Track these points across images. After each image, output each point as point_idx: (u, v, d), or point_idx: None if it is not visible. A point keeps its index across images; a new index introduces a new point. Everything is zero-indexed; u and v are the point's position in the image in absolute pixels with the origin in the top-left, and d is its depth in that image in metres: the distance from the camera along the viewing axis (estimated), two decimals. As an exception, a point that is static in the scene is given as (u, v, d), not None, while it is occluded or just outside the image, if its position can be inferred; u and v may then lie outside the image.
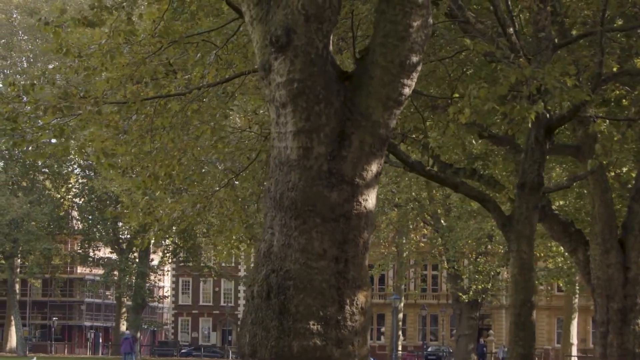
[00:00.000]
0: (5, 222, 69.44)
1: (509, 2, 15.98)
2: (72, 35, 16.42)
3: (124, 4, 14.94)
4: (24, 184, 75.38)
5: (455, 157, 18.33)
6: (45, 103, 14.18)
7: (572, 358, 65.17)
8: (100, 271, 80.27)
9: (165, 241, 68.18)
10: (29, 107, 14.60)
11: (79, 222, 78.05)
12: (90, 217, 73.75)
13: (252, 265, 75.29)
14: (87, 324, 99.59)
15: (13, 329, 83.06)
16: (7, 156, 74.81)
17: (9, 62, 77.71)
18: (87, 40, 15.53)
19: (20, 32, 78.27)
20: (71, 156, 49.53)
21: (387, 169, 28.74)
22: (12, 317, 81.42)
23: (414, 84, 9.56)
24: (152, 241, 48.53)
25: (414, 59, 9.41)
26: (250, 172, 17.89)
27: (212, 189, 17.94)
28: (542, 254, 42.98)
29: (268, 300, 9.31)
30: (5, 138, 14.73)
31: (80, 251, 78.52)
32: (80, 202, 75.73)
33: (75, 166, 74.10)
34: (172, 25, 14.91)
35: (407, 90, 9.48)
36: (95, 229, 74.34)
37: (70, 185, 76.51)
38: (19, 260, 78.58)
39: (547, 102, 14.58)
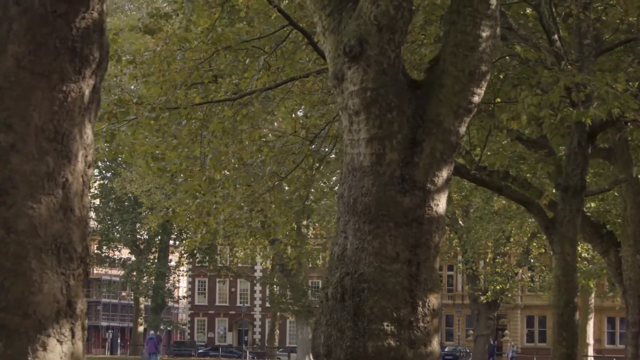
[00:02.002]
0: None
1: (553, 10, 16.27)
2: (121, 42, 16.78)
3: (179, 11, 15.28)
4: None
5: (492, 161, 18.57)
6: (101, 110, 14.51)
7: (589, 358, 65.32)
8: (116, 272, 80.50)
9: (183, 241, 68.49)
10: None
11: (97, 223, 78.41)
12: (109, 218, 74.08)
13: (268, 265, 75.58)
14: (104, 324, 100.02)
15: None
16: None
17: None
18: (141, 47, 15.88)
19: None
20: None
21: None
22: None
23: (483, 92, 9.83)
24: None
25: (483, 68, 9.66)
26: (296, 175, 18.19)
27: (258, 192, 18.23)
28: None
29: (343, 302, 9.54)
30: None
31: (98, 252, 78.85)
32: (99, 203, 76.08)
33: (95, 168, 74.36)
34: (224, 32, 15.24)
35: (476, 99, 9.74)
36: (114, 230, 74.66)
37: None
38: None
39: (595, 107, 14.86)
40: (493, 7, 9.62)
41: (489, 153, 17.99)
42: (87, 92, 5.40)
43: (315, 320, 10.08)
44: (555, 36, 15.90)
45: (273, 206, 18.26)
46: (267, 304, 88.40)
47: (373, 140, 9.44)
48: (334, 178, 31.79)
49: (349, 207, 9.66)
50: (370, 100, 9.43)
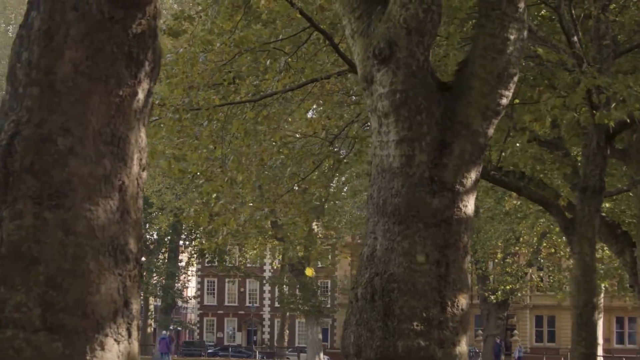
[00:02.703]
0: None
1: (573, 12, 16.36)
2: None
3: (202, 13, 15.39)
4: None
5: (513, 161, 18.64)
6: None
7: (598, 358, 65.30)
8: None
9: (193, 242, 68.69)
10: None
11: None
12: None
13: (277, 266, 75.68)
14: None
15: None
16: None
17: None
18: (164, 48, 15.99)
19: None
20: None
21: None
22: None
23: (510, 94, 9.92)
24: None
25: (512, 70, 9.75)
26: (316, 176, 18.29)
27: (277, 193, 18.34)
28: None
29: (372, 302, 9.63)
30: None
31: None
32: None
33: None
34: (246, 34, 15.34)
35: (504, 101, 9.83)
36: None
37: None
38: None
39: (615, 109, 14.95)
40: (521, 10, 9.71)
41: (507, 154, 18.03)
42: (142, 96, 5.51)
43: (344, 320, 10.17)
44: (575, 38, 15.97)
45: (292, 207, 18.35)
46: (276, 304, 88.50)
47: (402, 142, 9.53)
48: (343, 178, 31.83)
49: (379, 208, 9.75)
50: (399, 103, 9.52)
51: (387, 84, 9.56)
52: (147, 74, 5.51)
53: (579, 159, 21.95)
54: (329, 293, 78.75)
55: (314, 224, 36.86)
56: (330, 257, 63.76)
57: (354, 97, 18.12)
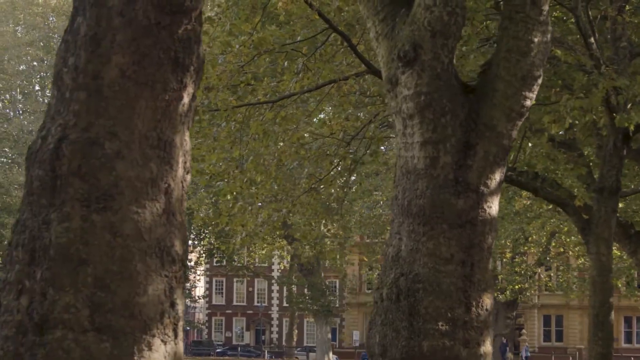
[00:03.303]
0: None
1: (590, 13, 16.40)
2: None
3: (221, 15, 15.46)
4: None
5: (532, 162, 18.72)
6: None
7: (607, 358, 65.29)
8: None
9: (202, 241, 68.76)
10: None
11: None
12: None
13: (286, 265, 75.76)
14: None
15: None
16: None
17: (46, 63, 78.43)
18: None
19: (56, 35, 78.99)
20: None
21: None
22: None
23: (534, 96, 9.97)
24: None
25: (536, 72, 9.80)
26: (333, 177, 18.35)
27: (295, 194, 18.40)
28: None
29: (398, 302, 9.70)
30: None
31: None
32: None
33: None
34: (265, 36, 15.42)
35: (528, 103, 9.89)
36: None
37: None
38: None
39: (633, 110, 15.02)
40: (545, 13, 9.76)
41: (526, 155, 18.10)
42: (186, 100, 5.59)
43: (369, 320, 10.24)
44: (592, 39, 16.02)
45: (309, 208, 18.41)
46: (285, 304, 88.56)
47: (427, 143, 9.59)
48: (352, 177, 31.86)
49: (403, 209, 9.82)
50: (424, 105, 9.59)
51: (411, 86, 9.63)
52: (192, 78, 5.59)
53: (591, 159, 22.00)
54: (337, 293, 78.77)
55: (322, 223, 36.84)
56: (338, 256, 63.73)
57: (368, 98, 18.16)
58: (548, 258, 58.74)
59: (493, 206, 9.80)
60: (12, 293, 5.42)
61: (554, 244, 54.20)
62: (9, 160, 75.77)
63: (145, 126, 5.44)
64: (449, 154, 9.60)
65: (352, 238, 57.70)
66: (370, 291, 77.57)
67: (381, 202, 46.35)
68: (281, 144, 16.83)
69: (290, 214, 18.67)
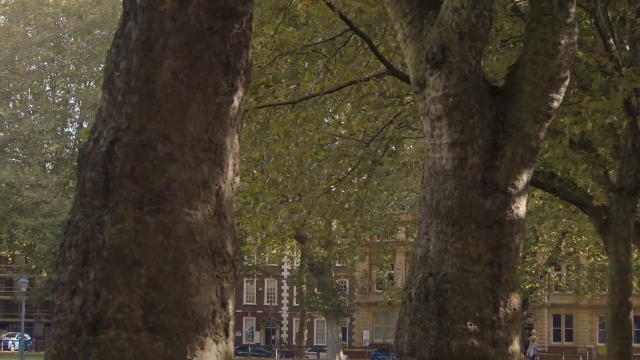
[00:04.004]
0: (58, 223, 70.39)
1: (609, 14, 16.47)
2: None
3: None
4: (71, 183, 76.38)
5: (553, 163, 18.77)
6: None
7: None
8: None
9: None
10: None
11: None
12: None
13: (296, 265, 75.85)
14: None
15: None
16: (56, 157, 75.83)
17: (56, 63, 78.67)
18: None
19: (67, 35, 79.23)
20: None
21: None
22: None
23: (561, 98, 10.05)
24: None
25: (563, 74, 9.89)
26: (354, 176, 18.44)
27: (315, 194, 18.48)
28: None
29: (426, 302, 9.79)
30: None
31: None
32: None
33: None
34: (287, 38, 15.51)
35: (555, 104, 9.97)
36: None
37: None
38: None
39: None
40: (572, 15, 9.83)
41: (547, 156, 18.18)
42: (237, 103, 5.68)
43: (397, 319, 10.33)
44: (611, 40, 16.09)
45: (329, 209, 18.49)
46: (295, 303, 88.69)
47: (455, 144, 9.69)
48: (363, 177, 31.94)
49: (432, 209, 9.91)
50: (452, 106, 9.68)
51: (439, 87, 9.72)
52: (242, 82, 5.68)
53: (607, 159, 22.03)
54: (347, 292, 78.91)
55: (338, 224, 36.96)
56: (357, 257, 63.77)
57: (387, 99, 18.24)
58: (558, 258, 58.79)
59: (520, 207, 9.89)
60: (65, 293, 5.50)
61: (564, 244, 54.26)
62: (20, 161, 75.93)
63: (197, 129, 5.53)
64: (476, 155, 9.68)
65: (363, 238, 57.77)
66: (380, 291, 77.70)
67: (392, 202, 46.42)
68: (301, 144, 16.91)
69: (310, 215, 18.76)
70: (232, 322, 5.62)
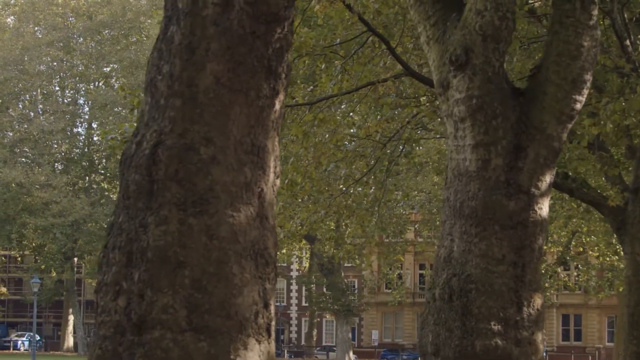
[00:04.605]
0: (68, 223, 70.55)
1: (625, 15, 16.52)
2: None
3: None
4: (80, 183, 76.56)
5: (573, 165, 18.82)
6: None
7: (626, 357, 65.28)
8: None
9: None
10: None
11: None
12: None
13: (305, 265, 75.93)
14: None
15: (70, 329, 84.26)
16: (66, 158, 75.99)
17: (65, 63, 78.81)
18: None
19: (76, 35, 79.39)
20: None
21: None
22: (71, 317, 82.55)
23: (584, 99, 10.12)
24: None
25: (586, 76, 9.95)
26: (371, 178, 18.53)
27: (332, 195, 18.56)
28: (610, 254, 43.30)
29: (450, 302, 9.87)
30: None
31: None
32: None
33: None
34: (306, 39, 15.58)
35: (578, 106, 10.03)
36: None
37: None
38: (75, 261, 79.61)
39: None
40: (594, 17, 9.89)
41: (566, 158, 18.23)
42: (278, 107, 5.77)
43: (421, 319, 10.41)
44: (627, 42, 16.14)
45: (346, 210, 18.58)
46: (304, 303, 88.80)
47: (478, 146, 9.76)
48: (379, 179, 32.00)
49: (455, 210, 9.99)
50: (475, 108, 9.75)
51: (463, 89, 9.79)
52: (283, 86, 5.77)
53: (620, 160, 22.08)
54: (357, 292, 79.02)
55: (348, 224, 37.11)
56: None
57: (404, 100, 18.31)
58: (568, 258, 58.79)
59: (544, 207, 9.96)
60: (109, 294, 5.59)
61: (574, 243, 54.27)
62: (29, 161, 76.10)
63: (240, 132, 5.62)
64: (500, 156, 9.76)
65: (373, 238, 57.82)
66: (389, 291, 77.74)
67: (402, 202, 46.46)
68: (319, 145, 16.97)
69: (327, 215, 18.85)
70: (273, 323, 5.70)
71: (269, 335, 5.66)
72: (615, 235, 23.60)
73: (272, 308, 5.71)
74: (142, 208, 5.59)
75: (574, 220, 40.75)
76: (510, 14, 9.81)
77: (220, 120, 5.61)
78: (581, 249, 52.63)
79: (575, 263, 60.61)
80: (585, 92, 10.07)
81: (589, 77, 9.97)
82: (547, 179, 9.98)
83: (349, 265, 73.15)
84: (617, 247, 39.49)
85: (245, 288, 5.55)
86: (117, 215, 5.73)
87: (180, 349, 5.44)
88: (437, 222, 53.53)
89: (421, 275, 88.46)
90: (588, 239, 46.39)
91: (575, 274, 65.11)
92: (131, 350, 5.48)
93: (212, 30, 5.62)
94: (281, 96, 5.77)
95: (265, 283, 5.66)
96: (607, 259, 47.53)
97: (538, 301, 10.00)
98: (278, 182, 5.87)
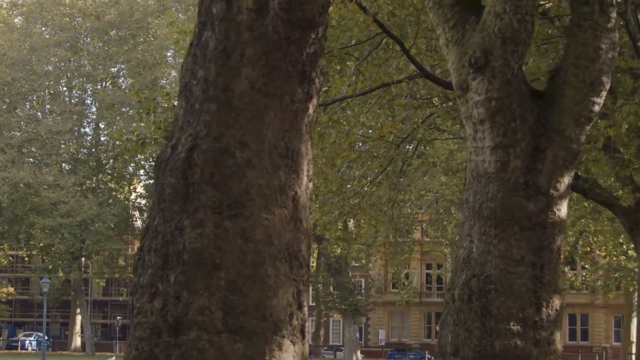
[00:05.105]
0: (76, 224, 70.68)
1: (639, 17, 16.56)
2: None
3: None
4: (88, 183, 76.69)
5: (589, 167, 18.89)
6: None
7: (632, 356, 65.35)
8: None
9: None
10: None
11: (143, 223, 79.20)
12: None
13: (313, 266, 75.91)
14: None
15: (77, 329, 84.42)
16: (73, 157, 76.13)
17: (72, 63, 78.92)
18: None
19: (83, 36, 79.50)
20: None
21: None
22: (79, 317, 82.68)
23: (602, 101, 10.18)
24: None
25: (604, 78, 10.01)
26: (384, 178, 18.60)
27: (346, 195, 18.64)
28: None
29: (470, 302, 9.94)
30: (156, 145, 15.59)
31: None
32: (145, 203, 76.94)
33: (141, 169, 75.50)
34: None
35: (596, 108, 10.10)
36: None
37: (133, 186, 77.89)
38: (83, 261, 79.75)
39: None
40: (612, 20, 9.95)
41: (583, 159, 18.29)
42: (311, 111, 5.85)
43: (440, 320, 10.48)
44: (640, 43, 16.19)
45: (361, 212, 18.65)
46: (312, 303, 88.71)
47: (497, 148, 9.83)
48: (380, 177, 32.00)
49: (475, 212, 10.06)
50: (495, 110, 9.83)
51: (482, 91, 9.86)
52: (316, 90, 5.85)
53: (630, 160, 22.12)
54: (364, 292, 79.06)
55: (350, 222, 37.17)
56: (364, 255, 63.95)
57: (417, 101, 18.38)
58: (575, 257, 58.79)
59: (562, 209, 10.03)
60: (145, 296, 5.66)
61: (581, 243, 54.25)
62: (37, 161, 76.22)
63: (274, 136, 5.69)
64: (519, 158, 9.83)
65: (380, 238, 57.87)
66: (396, 290, 77.81)
67: (410, 202, 46.45)
68: (334, 146, 17.03)
69: (341, 215, 18.94)
70: (307, 324, 5.78)
71: (303, 337, 5.74)
72: (623, 236, 23.68)
73: (306, 309, 5.79)
74: (177, 211, 5.66)
75: (582, 220, 40.78)
76: (529, 17, 9.88)
77: (255, 124, 5.68)
78: (588, 249, 52.66)
79: (582, 263, 60.61)
80: (604, 94, 10.14)
81: (607, 79, 10.04)
82: (566, 180, 10.05)
83: (356, 264, 73.18)
84: (625, 247, 39.53)
85: (279, 290, 5.63)
86: (152, 218, 5.80)
87: (216, 350, 5.51)
88: (445, 222, 53.61)
89: (428, 275, 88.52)
90: (595, 239, 46.43)
91: (583, 273, 65.14)
92: (167, 351, 5.56)
93: (247, 36, 5.70)
94: (314, 100, 5.85)
95: (299, 285, 5.74)
96: (614, 258, 47.58)
97: (556, 302, 10.07)
98: (311, 185, 5.95)
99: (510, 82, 9.84)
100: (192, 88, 5.82)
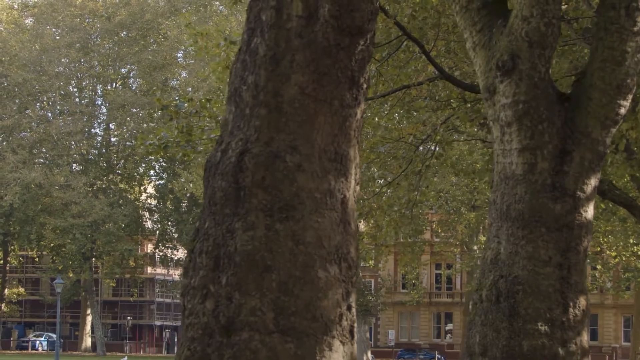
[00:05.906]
0: (87, 224, 70.86)
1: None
2: (216, 50, 17.32)
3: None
4: (98, 183, 76.88)
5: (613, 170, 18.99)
6: (220, 117, 15.07)
7: (637, 356, 65.38)
8: (170, 271, 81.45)
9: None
10: (207, 119, 15.61)
11: (154, 223, 79.41)
12: (170, 218, 75.11)
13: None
14: (158, 323, 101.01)
15: (87, 329, 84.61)
16: (84, 158, 76.31)
17: (83, 64, 79.12)
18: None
19: (93, 36, 79.70)
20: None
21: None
22: (89, 317, 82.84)
23: (628, 104, 10.29)
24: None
25: (630, 81, 10.11)
26: (402, 179, 18.70)
27: (364, 196, 18.76)
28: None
29: (497, 303, 10.05)
30: (178, 149, 15.76)
31: (158, 252, 79.94)
32: (156, 203, 77.14)
33: (151, 169, 75.67)
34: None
35: (622, 110, 10.20)
36: (170, 230, 75.63)
37: (143, 187, 78.08)
38: (93, 261, 79.93)
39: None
40: (639, 24, 10.04)
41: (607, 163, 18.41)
42: (359, 116, 5.98)
43: (468, 320, 10.59)
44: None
45: (380, 213, 18.76)
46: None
47: (525, 150, 9.94)
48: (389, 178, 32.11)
49: (502, 213, 10.17)
50: (522, 113, 9.94)
51: (510, 94, 9.97)
52: (364, 95, 5.98)
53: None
54: (373, 292, 79.15)
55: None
56: (374, 256, 63.97)
57: (437, 103, 18.49)
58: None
59: (589, 210, 10.13)
60: (196, 297, 5.79)
61: (591, 243, 54.23)
62: (48, 162, 76.42)
63: (324, 140, 5.82)
64: (546, 160, 9.93)
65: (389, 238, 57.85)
66: (405, 291, 77.93)
67: (420, 203, 46.43)
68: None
69: (361, 216, 19.06)
70: (355, 325, 5.90)
71: (352, 337, 5.86)
72: (633, 236, 23.74)
73: (354, 310, 5.91)
74: (229, 214, 5.79)
75: (595, 221, 40.82)
76: (555, 20, 9.97)
77: (305, 129, 5.81)
78: (599, 249, 52.70)
79: (592, 263, 60.65)
80: (630, 97, 10.23)
81: (633, 82, 10.13)
82: (592, 182, 10.15)
83: (366, 265, 73.24)
84: (636, 247, 39.60)
85: (330, 291, 5.75)
86: (202, 220, 5.93)
87: (267, 350, 5.64)
88: (455, 222, 53.66)
89: (438, 275, 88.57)
90: (606, 239, 46.50)
91: (594, 274, 65.13)
92: (220, 351, 5.69)
93: (297, 42, 5.82)
94: (362, 105, 5.97)
95: (348, 286, 5.86)
96: (624, 259, 47.62)
97: (583, 302, 10.17)
98: (358, 188, 6.07)
99: (537, 85, 9.94)
100: (242, 93, 5.94)
